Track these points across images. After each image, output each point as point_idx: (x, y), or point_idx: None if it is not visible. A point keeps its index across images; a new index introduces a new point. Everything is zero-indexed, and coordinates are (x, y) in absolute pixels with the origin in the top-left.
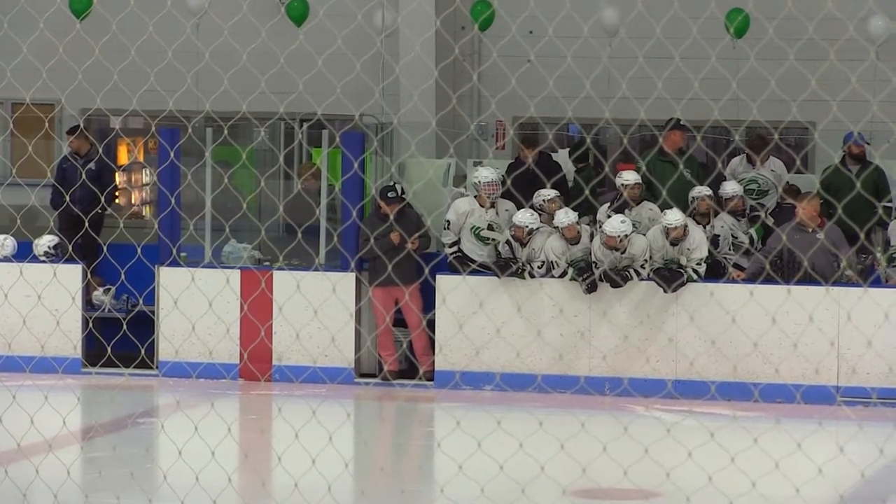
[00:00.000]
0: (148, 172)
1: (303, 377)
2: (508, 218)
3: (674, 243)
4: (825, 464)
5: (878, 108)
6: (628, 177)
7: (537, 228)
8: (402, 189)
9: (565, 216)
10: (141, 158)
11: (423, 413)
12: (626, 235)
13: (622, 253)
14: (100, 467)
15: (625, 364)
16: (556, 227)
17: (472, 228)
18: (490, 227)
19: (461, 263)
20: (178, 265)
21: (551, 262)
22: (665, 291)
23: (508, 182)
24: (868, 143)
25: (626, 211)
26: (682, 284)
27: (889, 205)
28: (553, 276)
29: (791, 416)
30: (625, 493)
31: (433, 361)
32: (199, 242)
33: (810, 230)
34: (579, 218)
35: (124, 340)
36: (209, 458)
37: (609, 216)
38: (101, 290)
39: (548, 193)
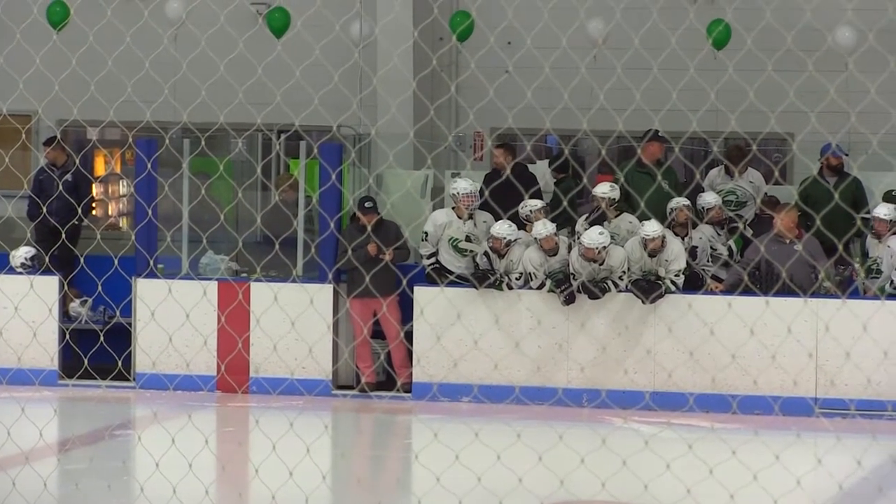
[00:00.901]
0: (125, 184)
1: (280, 389)
2: (486, 229)
3: (652, 255)
4: (803, 476)
5: (855, 119)
6: (598, 189)
7: (515, 240)
8: (375, 202)
9: (543, 228)
10: (118, 169)
11: (400, 425)
12: (605, 247)
13: (600, 264)
14: (77, 479)
15: (603, 376)
16: (535, 239)
17: (449, 240)
18: (468, 239)
19: (439, 275)
20: (156, 277)
21: (529, 273)
22: (643, 303)
23: (486, 193)
24: (846, 155)
25: (606, 223)
26: (661, 296)
27: (867, 216)
28: (531, 288)
29: (769, 427)
30: None
31: (411, 373)
32: (177, 254)
33: (788, 241)
34: (559, 229)
35: (101, 352)
36: (186, 471)
37: (586, 228)
38: (77, 301)
39: (535, 203)
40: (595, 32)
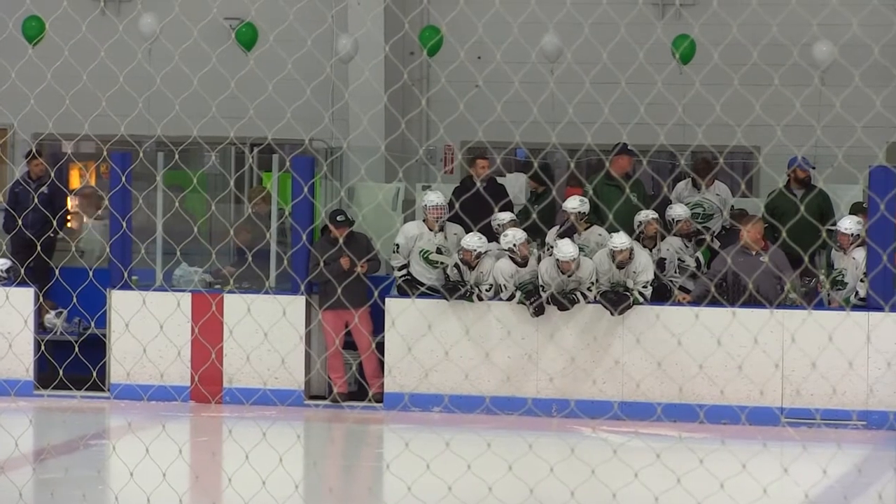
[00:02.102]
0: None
1: (253, 399)
2: (457, 241)
3: (620, 266)
4: (770, 484)
5: (822, 132)
6: (568, 204)
7: (485, 252)
8: (347, 215)
9: (514, 237)
10: (93, 182)
11: (372, 434)
12: (576, 258)
13: (569, 276)
14: (52, 489)
15: (572, 386)
16: (512, 247)
17: (420, 252)
18: (438, 251)
19: (410, 286)
20: (130, 288)
21: (500, 285)
22: (611, 314)
23: (457, 206)
24: (813, 168)
25: (576, 235)
26: (629, 307)
27: (833, 228)
28: (501, 299)
29: (736, 437)
30: None
31: (382, 383)
32: (151, 266)
33: (754, 253)
34: (531, 240)
35: (76, 363)
36: (160, 480)
37: (556, 240)
38: (53, 313)
39: (504, 217)
40: (551, 47)
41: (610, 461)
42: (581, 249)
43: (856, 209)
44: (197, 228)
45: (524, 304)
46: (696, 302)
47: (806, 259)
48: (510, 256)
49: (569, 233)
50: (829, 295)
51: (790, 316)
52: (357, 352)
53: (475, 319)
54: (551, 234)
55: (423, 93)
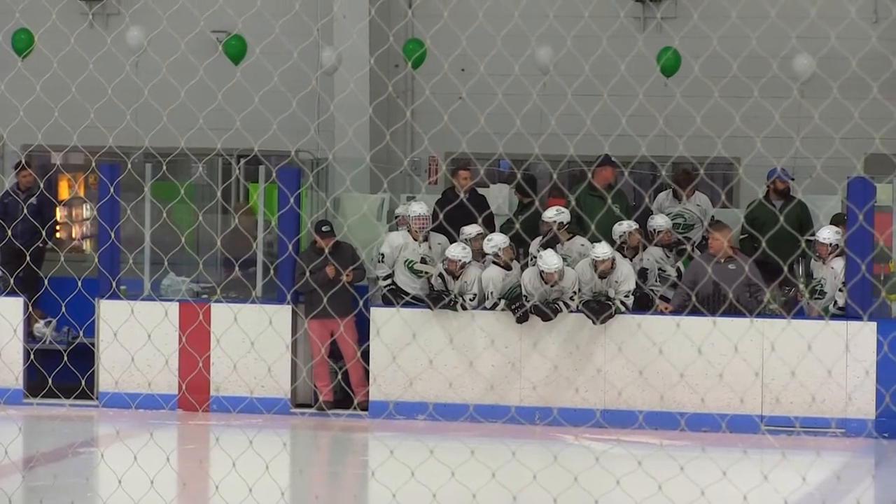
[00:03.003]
0: (88, 207)
1: (240, 407)
2: (441, 251)
3: (602, 276)
4: (750, 491)
5: (801, 144)
6: (547, 214)
7: (469, 262)
8: (332, 226)
9: (496, 242)
10: (81, 193)
11: (357, 442)
12: (559, 269)
13: (552, 286)
14: (41, 496)
15: (554, 394)
16: (496, 252)
17: (405, 262)
18: (423, 261)
19: (395, 296)
20: (118, 298)
21: (489, 293)
22: (594, 323)
23: (441, 216)
24: (792, 179)
25: (558, 245)
26: (611, 316)
27: (812, 238)
28: (485, 308)
29: (716, 444)
30: None
31: (367, 392)
32: (139, 276)
33: (723, 261)
34: (517, 250)
35: (65, 372)
36: (148, 488)
37: (539, 251)
38: (42, 322)
39: (470, 231)
40: (545, 59)
41: (592, 468)
42: (564, 259)
43: (836, 220)
44: (184, 239)
45: (508, 309)
46: (678, 311)
47: (785, 269)
48: (493, 261)
49: (551, 243)
50: (808, 304)
51: (770, 325)
52: (342, 360)
53: (459, 328)
54: (534, 245)
55: (408, 105)
